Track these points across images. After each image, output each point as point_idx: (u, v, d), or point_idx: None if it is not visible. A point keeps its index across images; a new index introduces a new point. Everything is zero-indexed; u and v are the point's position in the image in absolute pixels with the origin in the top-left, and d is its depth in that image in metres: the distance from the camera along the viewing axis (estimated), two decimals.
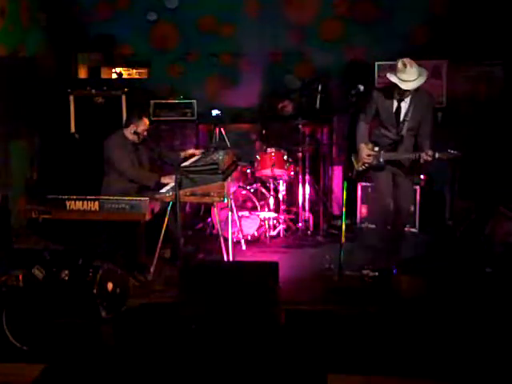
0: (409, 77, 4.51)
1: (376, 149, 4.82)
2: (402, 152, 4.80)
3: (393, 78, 4.56)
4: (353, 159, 4.98)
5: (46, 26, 6.61)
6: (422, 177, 6.32)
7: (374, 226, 5.72)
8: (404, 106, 4.73)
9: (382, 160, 4.79)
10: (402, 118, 4.75)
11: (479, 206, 5.74)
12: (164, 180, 5.02)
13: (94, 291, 3.82)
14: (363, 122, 4.91)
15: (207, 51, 7.08)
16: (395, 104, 4.75)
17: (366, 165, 4.86)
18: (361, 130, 4.90)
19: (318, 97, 6.45)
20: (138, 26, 7.08)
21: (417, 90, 4.66)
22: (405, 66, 4.50)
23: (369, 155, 4.82)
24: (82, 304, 3.82)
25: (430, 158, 4.57)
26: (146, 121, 5.20)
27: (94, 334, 3.77)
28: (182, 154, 5.53)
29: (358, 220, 6.51)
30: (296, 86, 7.03)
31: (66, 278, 3.87)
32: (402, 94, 4.67)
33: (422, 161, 4.64)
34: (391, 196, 5.01)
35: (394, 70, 4.59)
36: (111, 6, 7.07)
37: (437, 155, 4.54)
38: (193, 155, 5.49)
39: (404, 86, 4.53)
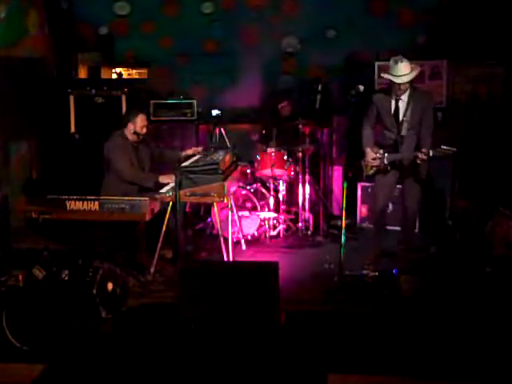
0: (401, 71, 4.66)
1: (380, 151, 4.91)
2: (403, 152, 4.87)
3: (386, 76, 4.73)
4: (362, 164, 5.07)
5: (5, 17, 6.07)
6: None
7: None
8: (402, 105, 4.82)
9: (386, 162, 4.90)
10: (401, 118, 4.84)
11: (479, 206, 5.74)
12: (162, 180, 5.01)
13: (94, 291, 3.82)
14: (367, 126, 4.99)
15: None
16: (393, 104, 4.85)
17: (374, 169, 4.97)
18: (366, 134, 4.99)
19: (318, 97, 6.45)
20: None
21: (414, 89, 4.80)
22: (396, 62, 4.67)
23: (374, 159, 4.92)
24: (82, 304, 3.82)
25: (425, 157, 4.65)
26: (142, 118, 5.17)
27: (93, 334, 3.78)
28: (183, 154, 5.51)
29: (358, 220, 6.51)
30: (289, 84, 7.08)
31: (66, 278, 3.87)
32: (398, 93, 4.78)
33: (418, 161, 4.72)
34: (388, 200, 5.21)
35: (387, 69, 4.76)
36: None
37: (431, 153, 4.62)
38: (193, 155, 5.47)
39: (398, 80, 4.67)
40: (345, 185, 4.52)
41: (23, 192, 6.11)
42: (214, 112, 6.68)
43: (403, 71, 4.66)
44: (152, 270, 4.91)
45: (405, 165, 4.90)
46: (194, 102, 6.76)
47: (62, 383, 3.34)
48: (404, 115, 4.82)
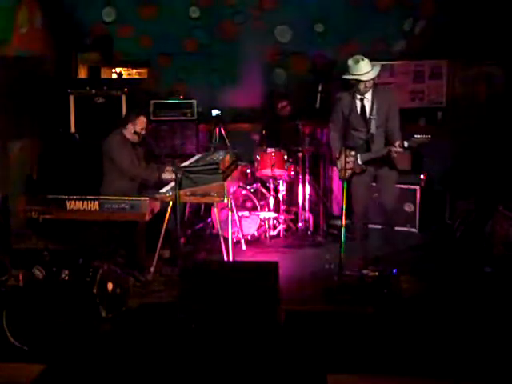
0: (364, 69, 4.59)
1: (352, 153, 4.84)
2: (375, 150, 4.81)
3: (350, 77, 4.63)
4: (337, 170, 4.97)
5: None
6: (422, 177, 6.33)
7: (374, 226, 5.62)
8: (367, 104, 4.77)
9: (360, 162, 4.82)
10: (368, 116, 4.78)
11: (479, 206, 5.74)
12: (165, 176, 5.03)
13: (94, 291, 3.82)
14: (334, 130, 4.92)
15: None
16: (358, 104, 4.79)
17: (350, 172, 4.86)
18: (334, 139, 4.92)
19: (318, 97, 6.45)
20: None
21: (376, 86, 4.75)
22: (357, 61, 4.59)
23: (347, 162, 4.83)
24: (82, 304, 3.82)
25: (400, 149, 4.60)
26: (143, 119, 5.18)
27: (93, 334, 3.78)
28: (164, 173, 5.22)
29: None
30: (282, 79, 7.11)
31: (66, 277, 3.87)
32: (363, 91, 4.72)
33: (393, 154, 4.66)
34: (367, 199, 5.05)
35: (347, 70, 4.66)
36: None
37: (406, 144, 4.56)
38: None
39: (364, 77, 4.59)
40: (345, 185, 4.52)
41: (23, 192, 6.11)
42: (214, 112, 6.68)
43: (366, 69, 4.61)
44: (152, 269, 4.91)
45: (378, 161, 4.83)
46: (194, 101, 6.76)
47: (61, 383, 3.34)
48: (371, 113, 4.77)
